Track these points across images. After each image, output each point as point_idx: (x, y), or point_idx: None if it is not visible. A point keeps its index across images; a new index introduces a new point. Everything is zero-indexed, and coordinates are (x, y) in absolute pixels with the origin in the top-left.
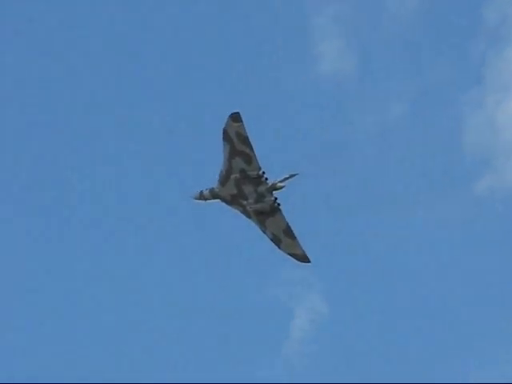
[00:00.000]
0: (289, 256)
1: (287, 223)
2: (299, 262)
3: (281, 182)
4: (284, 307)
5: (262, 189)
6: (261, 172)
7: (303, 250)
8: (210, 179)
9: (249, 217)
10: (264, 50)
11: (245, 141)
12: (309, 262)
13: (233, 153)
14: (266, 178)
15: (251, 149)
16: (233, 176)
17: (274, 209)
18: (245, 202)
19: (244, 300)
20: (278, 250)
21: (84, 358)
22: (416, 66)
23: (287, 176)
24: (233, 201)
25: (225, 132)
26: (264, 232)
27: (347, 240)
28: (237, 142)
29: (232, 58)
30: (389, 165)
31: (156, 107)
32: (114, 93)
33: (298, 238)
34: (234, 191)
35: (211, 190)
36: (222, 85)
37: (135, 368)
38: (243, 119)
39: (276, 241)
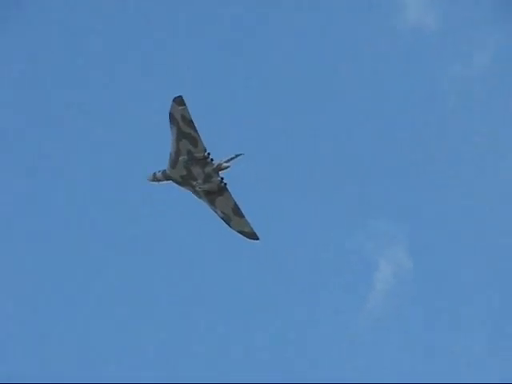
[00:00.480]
0: (238, 234)
1: (235, 202)
2: (248, 240)
3: (226, 162)
4: (368, 259)
5: (208, 169)
6: (206, 153)
7: (251, 228)
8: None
9: (199, 197)
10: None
11: (189, 123)
12: (257, 239)
13: (179, 135)
14: (212, 159)
15: (196, 131)
16: (181, 158)
17: (222, 188)
18: (194, 183)
19: (329, 251)
20: (229, 229)
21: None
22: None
23: (232, 156)
24: (183, 182)
25: (170, 115)
26: (215, 211)
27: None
28: (182, 125)
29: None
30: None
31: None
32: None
33: (245, 216)
34: (184, 172)
35: (163, 172)
36: (305, 33)
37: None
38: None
39: (226, 219)
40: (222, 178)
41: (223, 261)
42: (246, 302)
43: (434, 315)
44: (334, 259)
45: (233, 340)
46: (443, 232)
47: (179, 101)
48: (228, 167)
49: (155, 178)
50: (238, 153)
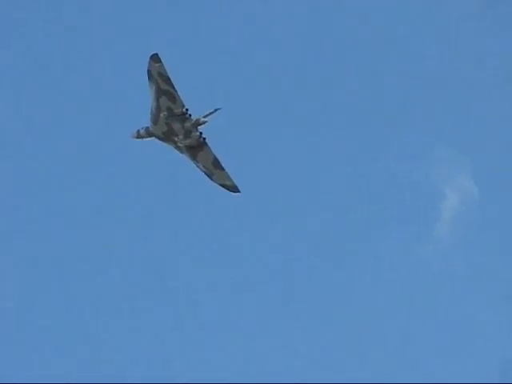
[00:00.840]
0: (220, 187)
1: (214, 156)
2: (230, 192)
3: (204, 117)
4: (435, 188)
5: (187, 125)
6: (184, 109)
7: (232, 181)
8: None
9: (181, 152)
10: None
11: (167, 80)
12: (238, 191)
13: (158, 92)
14: (190, 115)
15: (173, 88)
16: (161, 114)
17: (201, 143)
18: (176, 139)
19: (395, 181)
20: (211, 182)
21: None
22: None
23: (211, 111)
24: (165, 138)
25: (148, 72)
26: (197, 165)
27: None
28: (160, 82)
29: None
30: None
31: None
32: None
33: (226, 169)
34: (165, 129)
35: (146, 129)
36: None
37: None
38: None
39: (208, 173)
40: (201, 133)
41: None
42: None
43: (501, 241)
44: (399, 190)
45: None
46: (507, 157)
47: (156, 58)
48: (206, 122)
49: (139, 135)
50: (217, 107)
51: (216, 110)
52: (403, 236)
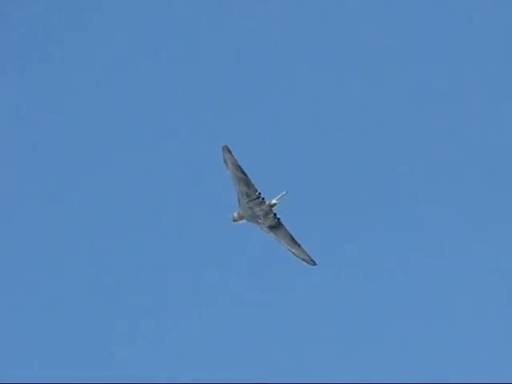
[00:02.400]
0: (302, 261)
1: (290, 234)
2: (309, 266)
3: (276, 200)
4: None
5: (263, 207)
6: (257, 193)
7: (309, 255)
8: None
9: (267, 232)
10: None
11: (239, 169)
12: (315, 264)
13: (236, 179)
14: (263, 198)
15: (245, 175)
16: (243, 199)
17: (278, 223)
18: (259, 221)
19: None
20: (294, 257)
21: None
22: None
23: (282, 194)
24: (252, 220)
25: (225, 162)
26: (280, 243)
27: None
28: (235, 171)
29: None
30: None
31: None
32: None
33: (301, 245)
34: (249, 212)
35: (238, 213)
36: None
37: None
38: None
39: (290, 249)
40: (275, 214)
41: None
42: None
43: None
44: None
45: None
46: None
47: (226, 149)
48: (276, 204)
49: (235, 219)
50: (287, 190)
51: (286, 193)
52: None
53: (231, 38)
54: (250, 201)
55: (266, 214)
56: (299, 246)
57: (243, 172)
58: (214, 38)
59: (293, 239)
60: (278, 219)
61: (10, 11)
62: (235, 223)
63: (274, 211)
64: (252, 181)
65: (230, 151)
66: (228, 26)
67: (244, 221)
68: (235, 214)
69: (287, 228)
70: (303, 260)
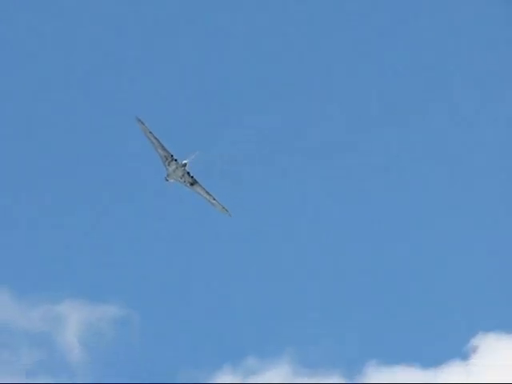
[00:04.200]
0: (220, 212)
1: (205, 189)
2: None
3: (186, 160)
4: None
5: (178, 167)
6: (170, 155)
7: (224, 207)
8: None
9: (190, 189)
10: None
11: (152, 136)
12: (230, 215)
13: (154, 146)
14: (176, 159)
15: (158, 140)
16: (165, 163)
17: (194, 181)
18: (181, 180)
19: None
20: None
21: None
22: None
23: (193, 155)
24: (177, 180)
25: (142, 132)
26: (201, 196)
27: None
28: (151, 138)
29: None
30: None
31: None
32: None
33: (216, 198)
34: (172, 173)
35: (167, 175)
36: None
37: None
38: None
39: (210, 202)
40: (188, 173)
41: None
42: None
43: None
44: None
45: None
46: None
47: (138, 121)
48: (186, 163)
49: (167, 179)
50: (196, 151)
51: (197, 153)
52: None
53: None
54: (168, 163)
55: (183, 174)
56: (214, 198)
57: (156, 138)
58: None
59: (208, 193)
60: (192, 177)
61: None
62: (168, 183)
63: (187, 170)
64: (165, 145)
65: (142, 122)
66: None
67: (173, 180)
68: (166, 176)
69: (202, 184)
70: (220, 211)
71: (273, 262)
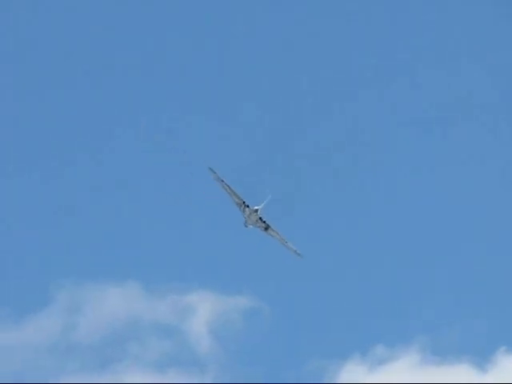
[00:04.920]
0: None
1: (278, 233)
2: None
3: (257, 206)
4: None
5: (252, 213)
6: (242, 202)
7: (295, 249)
8: None
9: (265, 233)
10: None
11: (225, 185)
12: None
13: (228, 194)
14: (248, 205)
15: (230, 188)
16: (240, 209)
17: (267, 226)
18: (257, 225)
19: None
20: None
21: None
22: None
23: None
24: (253, 224)
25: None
26: (275, 239)
27: None
28: (224, 186)
29: None
30: None
31: None
32: None
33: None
34: (247, 219)
35: (245, 221)
36: None
37: None
38: None
39: (284, 244)
40: (261, 218)
41: None
42: None
43: None
44: None
45: None
46: None
47: (211, 171)
48: (258, 209)
49: (246, 225)
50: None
51: (268, 199)
52: None
53: None
54: (243, 209)
55: (256, 220)
56: (286, 242)
57: (227, 186)
58: None
59: (281, 237)
60: (265, 222)
61: None
62: (247, 228)
63: (260, 215)
64: (236, 191)
65: (214, 171)
66: None
67: (251, 225)
68: (244, 222)
69: (276, 229)
70: (293, 253)
71: (402, 249)
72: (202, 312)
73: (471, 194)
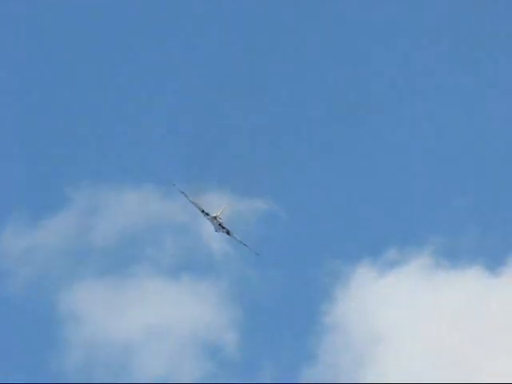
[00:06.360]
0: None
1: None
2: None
3: (215, 213)
4: None
5: (213, 220)
6: (201, 211)
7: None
8: None
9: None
10: None
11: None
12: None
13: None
14: (207, 213)
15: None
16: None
17: (227, 231)
18: (222, 231)
19: None
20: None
21: None
22: None
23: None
24: (219, 230)
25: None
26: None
27: None
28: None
29: None
30: None
31: None
32: None
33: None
34: (212, 225)
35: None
36: None
37: None
38: None
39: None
40: (220, 224)
41: None
42: None
43: None
44: None
45: None
46: None
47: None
48: (216, 216)
49: (216, 231)
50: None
51: (225, 207)
52: None
53: None
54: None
55: (219, 225)
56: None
57: (186, 196)
58: None
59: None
60: (224, 227)
61: None
62: (217, 234)
63: (219, 221)
64: (196, 202)
65: (174, 185)
66: None
67: (219, 232)
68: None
69: (235, 235)
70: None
71: (412, 148)
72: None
73: None
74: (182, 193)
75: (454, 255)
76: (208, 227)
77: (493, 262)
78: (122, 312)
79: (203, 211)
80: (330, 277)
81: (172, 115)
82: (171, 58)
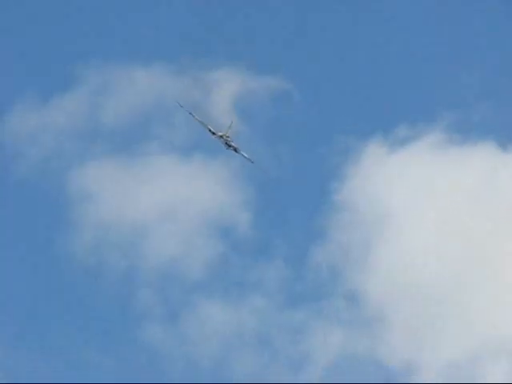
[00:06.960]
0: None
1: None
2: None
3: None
4: None
5: (220, 139)
6: (208, 129)
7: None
8: None
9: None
10: None
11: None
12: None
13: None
14: (214, 132)
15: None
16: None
17: (236, 148)
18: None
19: None
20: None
21: None
22: None
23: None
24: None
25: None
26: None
27: None
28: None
29: None
30: None
31: None
32: None
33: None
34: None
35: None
36: None
37: None
38: None
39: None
40: (227, 143)
41: None
42: None
43: None
44: None
45: None
46: None
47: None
48: (223, 135)
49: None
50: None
51: (231, 123)
52: None
53: None
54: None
55: (226, 143)
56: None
57: (192, 116)
58: None
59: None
60: (230, 146)
61: None
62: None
63: (227, 139)
64: (204, 122)
65: (181, 105)
66: None
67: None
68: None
69: (242, 152)
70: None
71: (422, 24)
72: (229, 89)
73: None
74: (190, 113)
75: (465, 131)
76: (222, 103)
77: (505, 139)
78: (134, 192)
79: (210, 130)
80: (340, 155)
81: None
82: None
